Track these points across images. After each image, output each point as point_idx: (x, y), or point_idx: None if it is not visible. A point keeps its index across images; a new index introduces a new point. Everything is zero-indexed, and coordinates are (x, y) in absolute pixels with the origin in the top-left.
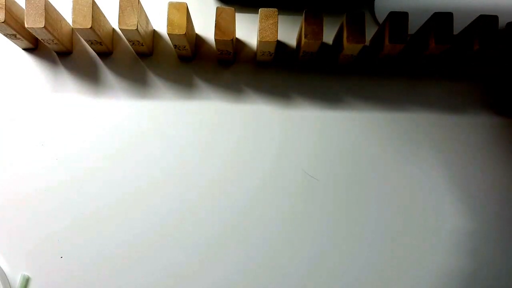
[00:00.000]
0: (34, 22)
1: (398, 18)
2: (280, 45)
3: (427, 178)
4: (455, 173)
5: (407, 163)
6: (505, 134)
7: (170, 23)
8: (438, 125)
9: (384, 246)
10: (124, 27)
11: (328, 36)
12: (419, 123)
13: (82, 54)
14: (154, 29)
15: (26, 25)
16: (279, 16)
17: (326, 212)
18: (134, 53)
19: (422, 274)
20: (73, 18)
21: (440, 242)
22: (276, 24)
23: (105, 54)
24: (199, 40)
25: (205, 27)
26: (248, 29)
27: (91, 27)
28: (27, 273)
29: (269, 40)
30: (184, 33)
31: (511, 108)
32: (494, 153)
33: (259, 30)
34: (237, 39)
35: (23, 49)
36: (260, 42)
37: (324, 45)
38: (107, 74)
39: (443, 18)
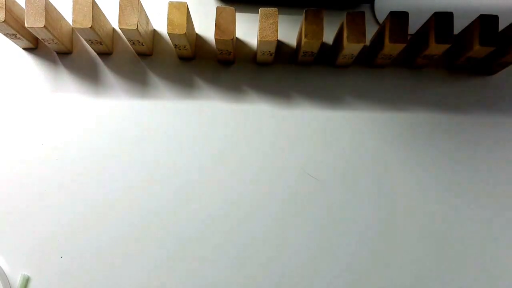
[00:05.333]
0: (34, 22)
1: (399, 17)
2: (280, 45)
3: (427, 177)
4: (455, 172)
5: (407, 162)
6: (505, 133)
7: (170, 23)
8: (438, 125)
9: (383, 246)
10: (124, 27)
11: (328, 36)
12: (419, 123)
13: (82, 54)
14: (154, 29)
15: (26, 25)
16: (279, 16)
17: (326, 211)
18: (134, 53)
19: (422, 274)
20: (73, 18)
21: (442, 243)
22: (276, 24)
23: (105, 54)
24: (199, 40)
25: (205, 27)
26: (248, 29)
27: (91, 27)
28: (27, 273)
29: (270, 39)
30: (184, 32)
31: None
32: (494, 152)
33: (260, 30)
34: (237, 39)
35: (23, 48)
36: (260, 42)
37: (324, 45)
38: (107, 74)
39: (443, 18)
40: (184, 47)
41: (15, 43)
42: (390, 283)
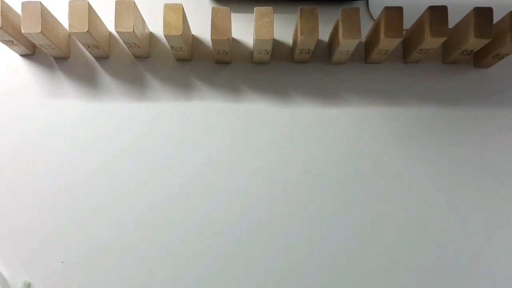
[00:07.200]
0: (30, 28)
1: (393, 13)
2: (277, 43)
3: (427, 173)
4: (453, 166)
5: (405, 157)
6: (503, 125)
7: (166, 24)
8: (435, 119)
9: (382, 243)
10: (120, 30)
11: (324, 34)
12: (416, 117)
13: (79, 59)
14: (150, 31)
15: (23, 31)
16: (275, 15)
17: (325, 208)
18: (131, 55)
19: (422, 272)
20: (69, 22)
21: (440, 239)
22: (271, 22)
23: (102, 57)
24: (195, 41)
25: (201, 28)
26: (244, 29)
27: (87, 31)
28: (28, 279)
29: (265, 38)
30: (180, 33)
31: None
32: (492, 145)
33: (255, 29)
34: (233, 39)
35: (21, 55)
36: (256, 41)
37: (320, 42)
38: (104, 77)
39: (438, 12)
40: (181, 48)
41: (12, 49)
42: (390, 281)
